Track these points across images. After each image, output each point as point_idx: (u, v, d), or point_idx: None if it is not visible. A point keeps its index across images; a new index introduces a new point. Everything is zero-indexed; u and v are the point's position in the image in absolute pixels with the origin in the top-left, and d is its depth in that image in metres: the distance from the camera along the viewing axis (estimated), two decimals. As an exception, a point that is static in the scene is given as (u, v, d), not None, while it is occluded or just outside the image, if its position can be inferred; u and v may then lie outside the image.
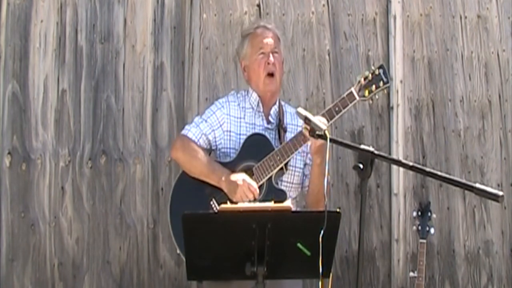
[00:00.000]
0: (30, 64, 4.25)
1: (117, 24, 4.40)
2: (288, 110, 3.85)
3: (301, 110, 3.25)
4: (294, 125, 3.78)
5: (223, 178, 3.59)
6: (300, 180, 3.78)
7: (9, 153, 4.19)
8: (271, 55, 3.71)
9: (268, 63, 3.70)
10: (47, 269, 4.24)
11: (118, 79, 4.39)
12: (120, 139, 4.38)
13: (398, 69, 4.81)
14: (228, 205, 3.19)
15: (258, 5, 4.62)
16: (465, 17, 4.97)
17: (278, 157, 3.61)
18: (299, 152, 3.67)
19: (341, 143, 3.23)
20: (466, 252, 4.91)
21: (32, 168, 4.22)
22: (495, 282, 4.96)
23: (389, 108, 4.81)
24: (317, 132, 3.13)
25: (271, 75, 3.71)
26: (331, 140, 3.07)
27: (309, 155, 3.73)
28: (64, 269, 4.26)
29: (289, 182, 3.73)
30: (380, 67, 3.70)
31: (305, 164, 3.77)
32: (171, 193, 3.77)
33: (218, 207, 3.16)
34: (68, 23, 4.31)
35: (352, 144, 3.22)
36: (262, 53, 3.72)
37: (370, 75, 3.66)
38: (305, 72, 4.69)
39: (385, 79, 3.67)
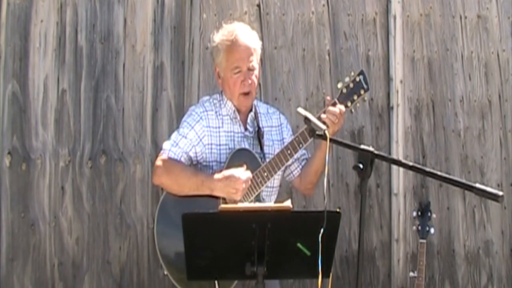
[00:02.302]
0: (30, 64, 4.24)
1: (117, 24, 4.40)
2: (262, 111, 3.80)
3: (301, 110, 3.25)
4: (268, 126, 3.77)
5: (215, 188, 3.50)
6: (280, 182, 3.78)
7: (9, 153, 4.19)
8: (247, 73, 3.62)
9: (245, 84, 3.62)
10: (47, 269, 4.24)
11: (118, 79, 4.39)
12: (120, 139, 4.37)
13: (398, 69, 4.81)
14: (228, 205, 3.19)
15: (258, 5, 4.62)
16: (465, 17, 4.97)
17: (266, 173, 3.58)
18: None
19: (341, 143, 3.24)
20: (466, 252, 4.92)
21: (32, 168, 4.22)
22: (495, 282, 4.97)
23: (389, 108, 4.82)
24: (317, 132, 3.13)
25: (246, 93, 3.66)
26: (331, 140, 3.07)
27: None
28: (64, 269, 4.26)
29: (271, 187, 3.72)
30: (360, 73, 3.71)
31: (291, 163, 3.76)
32: (156, 216, 3.64)
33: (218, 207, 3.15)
34: (68, 23, 4.31)
35: (352, 144, 3.22)
36: (239, 71, 3.62)
37: (351, 83, 3.68)
38: (305, 72, 4.69)
39: (365, 86, 3.70)
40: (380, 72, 4.81)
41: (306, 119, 3.18)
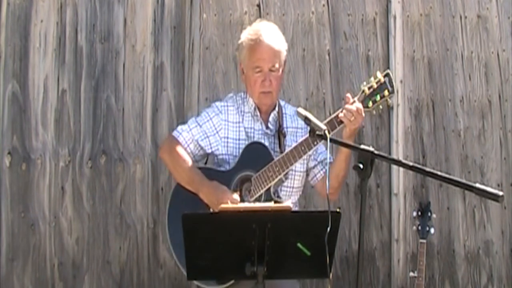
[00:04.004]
0: (30, 64, 4.25)
1: (117, 24, 4.40)
2: (288, 112, 3.81)
3: (301, 110, 3.25)
4: (294, 127, 3.76)
5: (201, 190, 3.59)
6: (301, 183, 3.78)
7: (9, 153, 4.19)
8: (268, 74, 3.64)
9: (264, 84, 3.64)
10: (47, 269, 4.24)
11: (118, 79, 4.39)
12: (120, 139, 4.38)
13: (398, 69, 4.81)
14: (228, 205, 3.18)
15: (258, 5, 4.62)
16: (465, 17, 4.97)
17: (277, 168, 3.58)
18: None
19: (341, 143, 3.24)
20: (466, 252, 4.91)
21: (32, 168, 4.22)
22: (495, 282, 4.96)
23: (389, 108, 4.81)
24: (317, 132, 3.13)
25: (266, 92, 3.68)
26: (331, 140, 3.07)
27: (312, 157, 3.72)
28: (64, 269, 4.26)
29: (290, 187, 3.73)
30: (386, 75, 3.63)
31: (314, 166, 3.76)
32: (168, 204, 3.77)
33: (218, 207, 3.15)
34: (68, 23, 4.31)
35: (352, 144, 3.23)
36: (259, 71, 3.64)
37: (375, 84, 3.60)
38: (305, 72, 4.69)
39: (390, 88, 3.60)
40: (380, 72, 4.80)
41: (306, 119, 3.18)
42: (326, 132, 3.08)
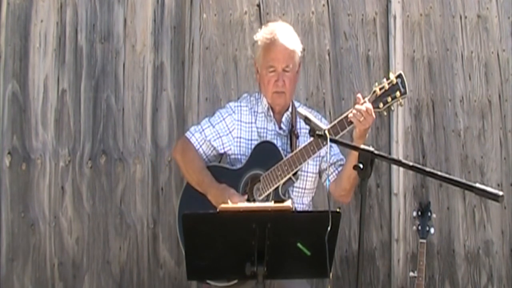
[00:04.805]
0: (30, 64, 4.25)
1: (117, 24, 4.40)
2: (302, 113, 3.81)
3: (301, 110, 3.26)
4: (307, 129, 3.76)
5: (209, 192, 3.65)
6: (313, 185, 3.77)
7: (9, 153, 4.19)
8: (281, 74, 3.66)
9: (278, 84, 3.67)
10: (47, 269, 4.24)
11: (118, 79, 4.39)
12: (120, 139, 4.38)
13: (398, 69, 4.80)
14: (228, 205, 3.18)
15: (258, 5, 4.62)
16: (465, 17, 4.97)
17: (286, 167, 3.59)
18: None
19: (341, 143, 3.24)
20: (466, 252, 4.91)
21: (32, 168, 4.22)
22: (495, 282, 4.96)
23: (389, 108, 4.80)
24: (317, 132, 3.13)
25: (279, 92, 3.70)
26: (331, 140, 3.08)
27: (325, 158, 3.72)
28: (64, 269, 4.26)
29: (302, 188, 3.73)
30: (398, 76, 3.60)
31: (327, 167, 3.75)
32: (178, 202, 3.87)
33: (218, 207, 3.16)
34: (68, 23, 4.31)
35: (352, 144, 3.22)
36: (273, 71, 3.67)
37: (387, 85, 3.58)
38: (305, 72, 4.68)
39: (402, 90, 3.57)
40: (380, 72, 4.80)
41: (306, 119, 3.18)
42: (326, 132, 3.09)
